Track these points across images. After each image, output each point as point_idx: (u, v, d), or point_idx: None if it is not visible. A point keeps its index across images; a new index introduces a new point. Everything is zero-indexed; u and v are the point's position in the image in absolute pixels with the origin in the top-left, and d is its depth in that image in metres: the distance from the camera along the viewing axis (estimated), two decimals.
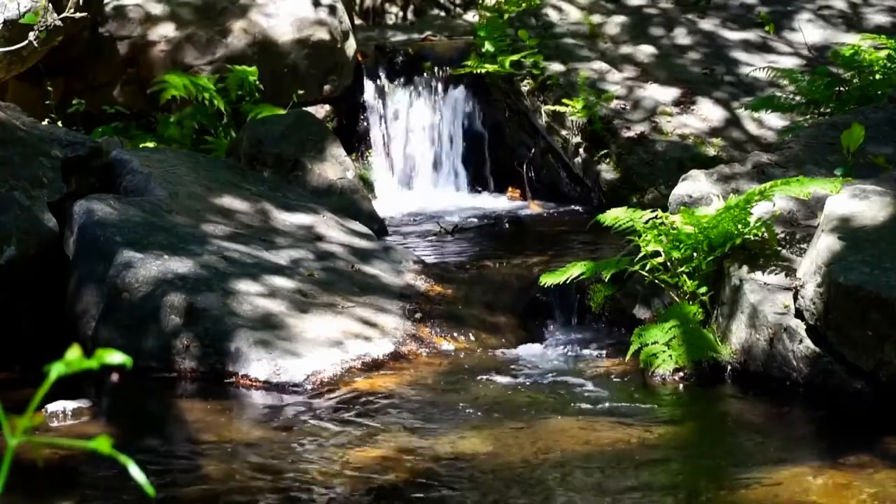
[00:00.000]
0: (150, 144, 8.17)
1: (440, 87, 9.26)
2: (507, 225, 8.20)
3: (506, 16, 9.50)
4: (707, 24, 9.49)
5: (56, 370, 1.37)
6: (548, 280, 5.67)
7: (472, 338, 5.74)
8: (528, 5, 9.63)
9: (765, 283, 5.11)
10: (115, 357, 1.38)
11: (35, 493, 3.91)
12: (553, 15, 9.49)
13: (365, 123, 9.31)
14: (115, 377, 5.12)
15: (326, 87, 9.09)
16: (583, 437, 4.43)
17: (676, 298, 5.42)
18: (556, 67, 8.83)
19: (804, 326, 4.87)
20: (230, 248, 5.87)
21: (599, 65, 8.88)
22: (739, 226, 5.25)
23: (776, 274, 5.14)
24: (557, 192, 8.82)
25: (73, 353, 1.38)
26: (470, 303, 6.09)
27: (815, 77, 7.56)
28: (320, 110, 8.94)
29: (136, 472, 1.41)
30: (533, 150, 8.94)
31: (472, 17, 10.83)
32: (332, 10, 9.13)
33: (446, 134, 9.24)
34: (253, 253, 5.93)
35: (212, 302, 5.35)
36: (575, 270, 5.59)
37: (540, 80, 8.78)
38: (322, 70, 9.04)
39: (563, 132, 8.56)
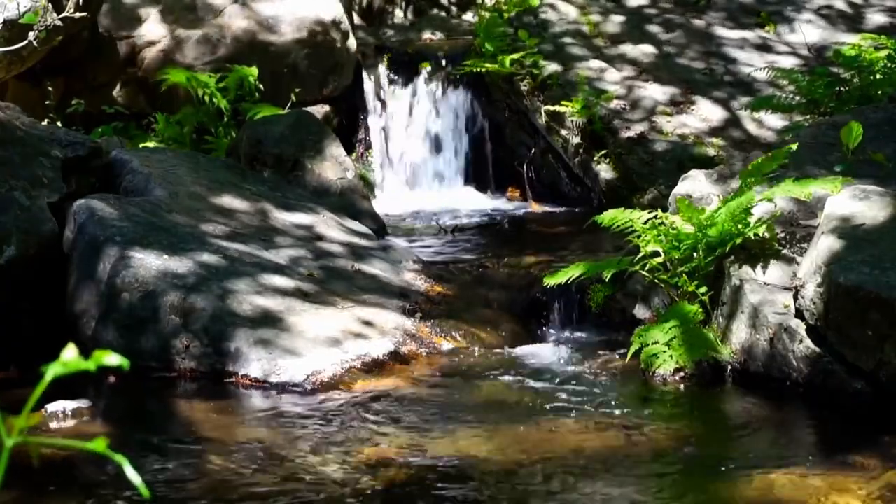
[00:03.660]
0: (150, 144, 8.16)
1: (440, 86, 9.26)
2: (507, 225, 8.21)
3: (505, 15, 9.50)
4: (706, 24, 9.49)
5: (52, 371, 1.36)
6: (550, 281, 5.67)
7: (472, 338, 5.73)
8: (527, 5, 9.63)
9: (765, 284, 5.11)
10: (112, 358, 1.37)
11: (37, 493, 3.91)
12: (552, 14, 9.49)
13: (365, 123, 9.31)
14: (111, 378, 5.13)
15: (326, 87, 9.08)
16: (583, 436, 4.43)
17: (676, 298, 5.41)
18: (556, 67, 8.83)
19: (804, 326, 4.86)
20: (230, 248, 5.87)
21: (599, 64, 8.88)
22: (739, 225, 5.25)
23: (776, 274, 5.14)
24: (557, 192, 8.81)
25: (70, 353, 1.37)
26: (470, 303, 6.09)
27: (815, 77, 7.56)
28: (320, 110, 8.94)
29: (131, 472, 1.41)
30: (533, 150, 8.93)
31: (471, 17, 10.83)
32: (332, 9, 9.13)
33: (446, 134, 9.24)
34: (253, 253, 5.93)
35: (211, 302, 5.35)
36: (576, 271, 5.59)
37: (539, 80, 8.78)
38: (322, 70, 9.04)
39: (563, 132, 8.56)
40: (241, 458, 4.23)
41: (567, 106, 8.42)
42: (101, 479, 4.06)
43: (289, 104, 8.65)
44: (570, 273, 5.60)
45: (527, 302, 6.13)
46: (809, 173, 5.68)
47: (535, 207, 8.71)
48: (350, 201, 7.45)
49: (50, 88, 8.26)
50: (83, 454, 4.17)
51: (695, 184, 5.89)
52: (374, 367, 5.25)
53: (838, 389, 4.75)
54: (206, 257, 5.68)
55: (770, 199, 5.34)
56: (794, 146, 5.38)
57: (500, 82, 9.02)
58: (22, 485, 3.91)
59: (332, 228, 6.59)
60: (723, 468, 4.20)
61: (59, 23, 6.08)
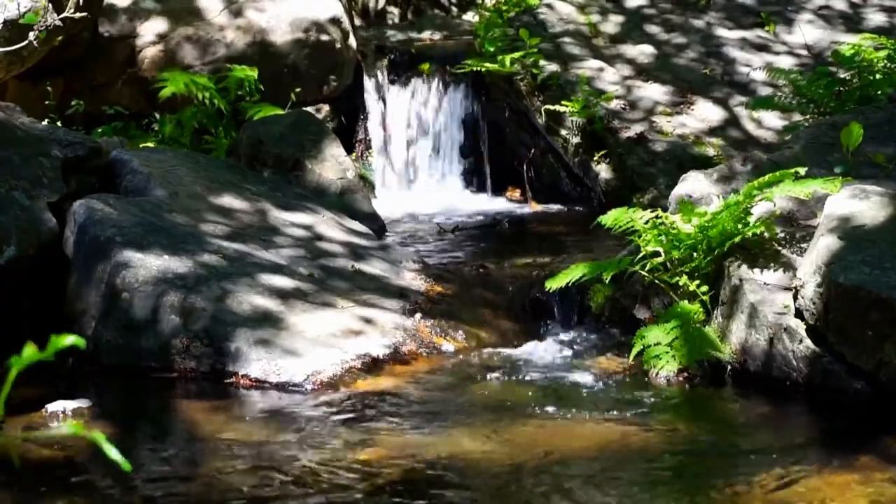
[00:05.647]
0: (150, 144, 8.17)
1: (440, 86, 9.27)
2: (507, 225, 8.21)
3: (505, 15, 9.51)
4: (706, 24, 9.49)
5: (17, 365, 1.42)
6: (552, 284, 5.65)
7: (472, 337, 5.73)
8: (527, 5, 9.64)
9: (765, 283, 5.11)
10: (68, 339, 1.42)
11: (37, 493, 3.91)
12: (552, 15, 9.49)
13: (365, 123, 9.31)
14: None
15: (326, 87, 9.09)
16: (584, 437, 4.43)
17: (676, 298, 5.41)
18: (556, 67, 8.83)
19: (804, 326, 4.87)
20: (230, 248, 5.87)
21: (599, 64, 8.88)
22: (739, 225, 5.25)
23: (776, 274, 5.14)
24: (557, 192, 8.82)
25: (28, 349, 1.44)
26: (470, 302, 6.09)
27: (814, 77, 7.57)
28: (320, 110, 8.94)
29: (108, 448, 1.43)
30: (533, 150, 8.94)
31: (471, 17, 10.84)
32: (332, 9, 9.13)
33: (446, 134, 9.24)
34: (253, 252, 5.93)
35: (211, 301, 5.35)
36: (577, 273, 5.58)
37: (539, 80, 8.78)
38: (322, 70, 9.04)
39: (563, 132, 8.57)
40: (240, 457, 4.23)
41: (567, 106, 8.42)
42: (101, 478, 4.06)
43: (289, 104, 8.66)
44: (571, 275, 5.59)
45: (527, 302, 6.13)
46: (809, 173, 5.68)
47: (535, 207, 8.72)
48: (350, 201, 7.46)
49: (50, 88, 8.26)
50: (85, 453, 4.17)
51: (695, 184, 5.89)
52: (373, 367, 5.25)
53: (838, 389, 4.76)
54: (206, 257, 5.68)
55: (770, 199, 5.34)
56: (802, 171, 5.32)
57: (500, 82, 9.02)
58: (21, 485, 3.91)
59: (331, 228, 6.59)
60: (723, 468, 4.20)
61: (59, 23, 6.09)
